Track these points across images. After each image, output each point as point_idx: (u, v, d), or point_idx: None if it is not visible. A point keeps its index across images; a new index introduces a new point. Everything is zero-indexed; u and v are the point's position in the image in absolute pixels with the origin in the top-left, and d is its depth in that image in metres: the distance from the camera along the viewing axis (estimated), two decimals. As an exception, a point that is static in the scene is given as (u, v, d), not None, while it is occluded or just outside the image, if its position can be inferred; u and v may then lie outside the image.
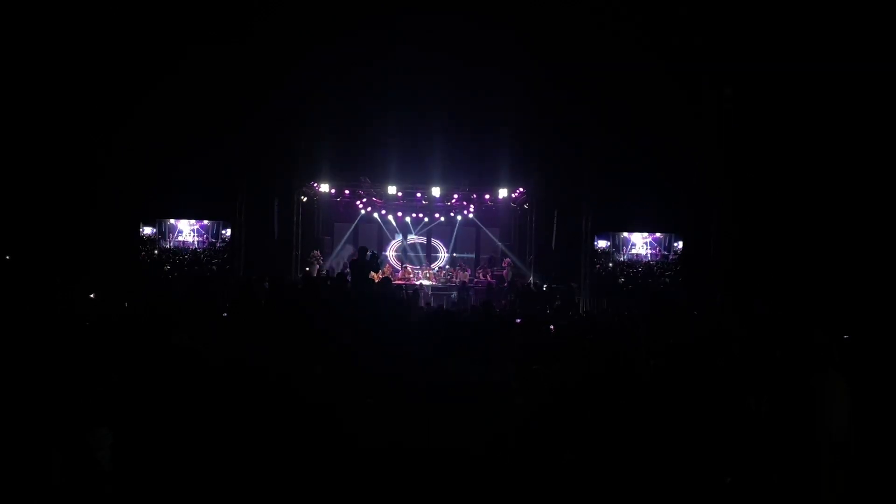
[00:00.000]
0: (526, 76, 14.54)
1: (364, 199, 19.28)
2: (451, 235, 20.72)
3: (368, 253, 11.39)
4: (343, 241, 20.14)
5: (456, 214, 20.09)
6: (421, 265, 19.77)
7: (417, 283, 17.65)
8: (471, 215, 19.92)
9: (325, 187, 18.18)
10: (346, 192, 18.83)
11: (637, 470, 3.70)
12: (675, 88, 14.58)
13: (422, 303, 15.34)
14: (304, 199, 18.27)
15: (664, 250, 18.66)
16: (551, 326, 7.88)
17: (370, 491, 3.62)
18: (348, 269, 12.02)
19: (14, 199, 13.98)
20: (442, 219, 20.33)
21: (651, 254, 18.66)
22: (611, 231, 18.53)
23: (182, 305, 6.03)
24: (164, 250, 17.08)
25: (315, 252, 17.95)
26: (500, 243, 20.28)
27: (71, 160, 14.35)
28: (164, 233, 17.20)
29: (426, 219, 20.40)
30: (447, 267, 19.90)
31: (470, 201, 19.31)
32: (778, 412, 3.95)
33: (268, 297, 8.10)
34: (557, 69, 14.31)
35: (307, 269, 17.37)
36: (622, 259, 18.49)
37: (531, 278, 17.85)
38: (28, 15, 12.66)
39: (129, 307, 5.86)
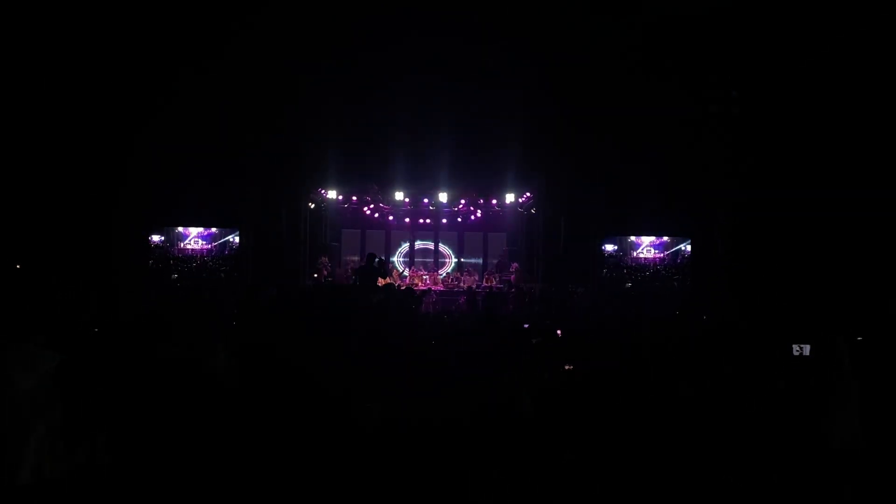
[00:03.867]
0: (531, 84, 14.56)
1: (371, 206, 19.33)
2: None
3: (376, 259, 11.48)
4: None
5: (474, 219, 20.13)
6: (429, 271, 19.79)
7: (426, 288, 17.65)
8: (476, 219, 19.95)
9: (332, 194, 18.22)
10: (354, 198, 18.88)
11: (636, 470, 3.72)
12: (680, 89, 14.52)
13: (431, 308, 15.35)
14: (312, 206, 18.33)
15: (672, 254, 18.58)
16: (558, 331, 7.86)
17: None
18: (355, 277, 12.08)
19: (29, 203, 14.13)
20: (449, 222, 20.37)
21: (659, 257, 18.59)
22: (618, 235, 18.48)
23: (186, 313, 6.10)
24: (172, 258, 17.18)
25: (323, 258, 18.00)
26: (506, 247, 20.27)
27: (90, 167, 14.48)
28: (172, 240, 17.32)
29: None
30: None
31: (477, 206, 19.32)
32: (789, 416, 3.93)
33: (275, 302, 8.19)
34: (561, 78, 14.34)
35: (315, 275, 17.42)
36: (630, 263, 18.44)
37: (539, 283, 17.82)
38: (39, 27, 12.83)
39: (131, 316, 5.91)
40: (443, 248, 21.37)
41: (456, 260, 21.29)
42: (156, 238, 17.24)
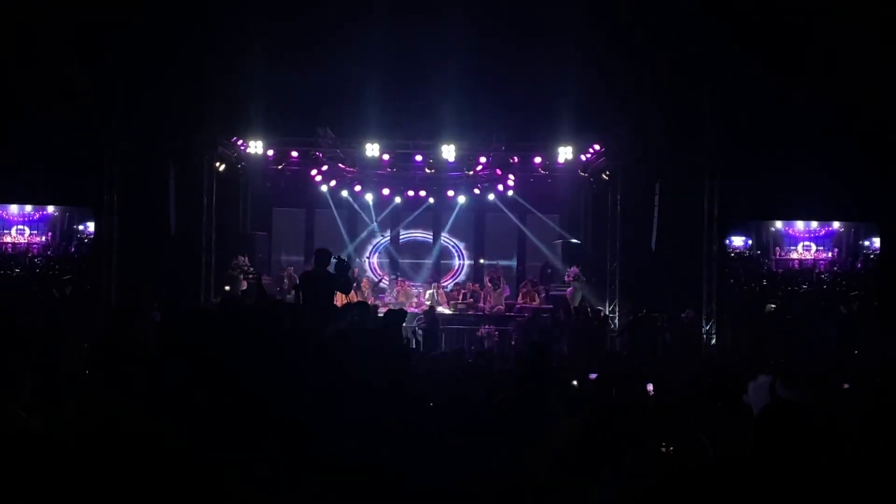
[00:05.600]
0: None
1: (325, 167, 19.35)
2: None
3: (334, 259, 11.50)
4: None
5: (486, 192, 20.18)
6: (425, 281, 19.83)
7: (419, 311, 17.68)
8: (510, 192, 19.99)
9: (257, 147, 18.22)
10: (294, 154, 18.86)
11: None
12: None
13: (422, 345, 15.38)
14: (223, 168, 18.33)
15: (847, 253, 18.57)
16: (649, 386, 7.95)
17: None
18: (296, 291, 12.13)
19: None
20: (461, 199, 20.39)
21: (823, 259, 18.58)
22: (755, 220, 18.48)
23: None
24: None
25: (241, 258, 18.05)
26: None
27: None
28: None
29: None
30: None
31: (509, 168, 19.34)
32: None
33: (158, 336, 8.24)
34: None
35: (227, 287, 17.49)
36: (773, 268, 18.45)
37: (615, 301, 17.88)
38: None
39: None
40: (448, 240, 21.40)
41: (471, 262, 21.32)
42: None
